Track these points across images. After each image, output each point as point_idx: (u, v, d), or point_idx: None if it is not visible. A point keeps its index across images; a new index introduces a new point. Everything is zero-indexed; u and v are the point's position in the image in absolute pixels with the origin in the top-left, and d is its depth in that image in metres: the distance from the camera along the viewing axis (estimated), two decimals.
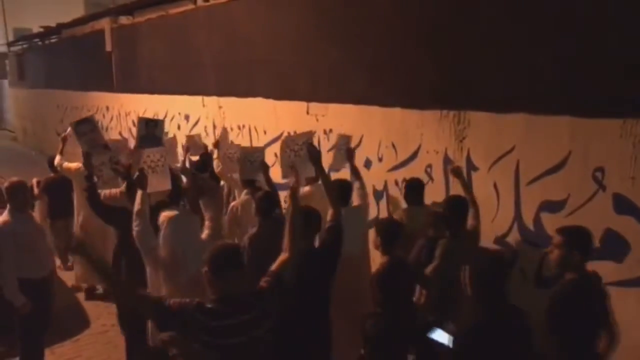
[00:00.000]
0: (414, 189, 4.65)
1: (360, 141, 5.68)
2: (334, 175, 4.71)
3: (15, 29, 30.05)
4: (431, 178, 4.93)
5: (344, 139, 4.94)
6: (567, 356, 3.09)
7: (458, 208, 4.08)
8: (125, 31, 11.18)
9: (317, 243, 3.78)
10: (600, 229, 3.61)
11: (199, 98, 8.51)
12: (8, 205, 4.46)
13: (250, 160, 5.01)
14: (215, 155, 6.37)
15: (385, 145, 5.38)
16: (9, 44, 22.65)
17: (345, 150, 4.85)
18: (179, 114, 9.16)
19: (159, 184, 4.27)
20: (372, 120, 5.48)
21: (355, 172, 4.80)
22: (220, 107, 8.04)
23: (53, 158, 6.75)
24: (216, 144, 6.58)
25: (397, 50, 5.16)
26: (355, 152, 5.60)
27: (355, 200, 4.69)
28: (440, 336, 2.89)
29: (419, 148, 5.02)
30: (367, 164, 5.61)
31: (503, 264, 2.93)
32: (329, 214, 3.69)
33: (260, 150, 5.28)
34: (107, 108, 12.11)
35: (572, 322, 3.03)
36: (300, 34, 6.39)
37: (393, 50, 5.20)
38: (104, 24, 11.90)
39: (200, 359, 2.51)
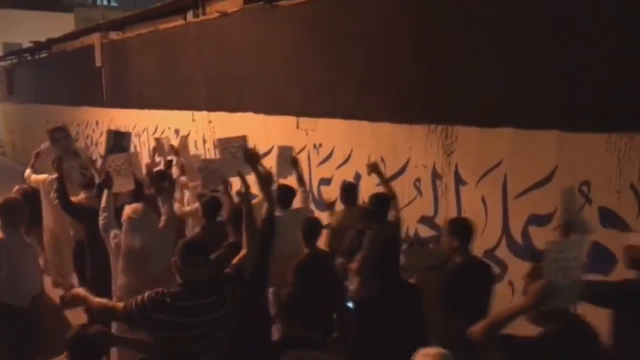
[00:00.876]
0: (348, 190, 5.12)
1: (349, 155, 5.70)
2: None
3: (4, 43, 30.01)
4: (420, 192, 4.96)
5: (287, 150, 5.34)
6: (455, 326, 3.24)
7: (381, 203, 4.55)
8: (115, 46, 11.19)
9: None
10: (587, 242, 3.63)
11: (189, 113, 8.52)
12: (0, 222, 4.24)
13: (232, 153, 4.70)
14: (175, 162, 6.49)
15: (374, 159, 5.40)
16: None
17: (290, 159, 5.26)
18: (169, 128, 9.15)
19: (123, 185, 4.87)
20: (362, 135, 5.51)
21: (299, 179, 5.21)
22: (210, 122, 8.04)
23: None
24: (177, 152, 6.77)
25: (386, 66, 5.21)
26: (345, 166, 5.65)
27: (298, 203, 5.09)
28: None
29: (407, 162, 5.05)
30: (357, 177, 5.62)
31: (394, 246, 3.49)
32: (263, 208, 4.03)
33: (242, 139, 4.77)
34: (97, 123, 12.08)
35: (459, 297, 3.32)
36: (290, 50, 6.43)
37: (382, 65, 5.25)
38: (94, 39, 11.91)
39: (168, 344, 2.84)
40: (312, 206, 6.24)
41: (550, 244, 2.81)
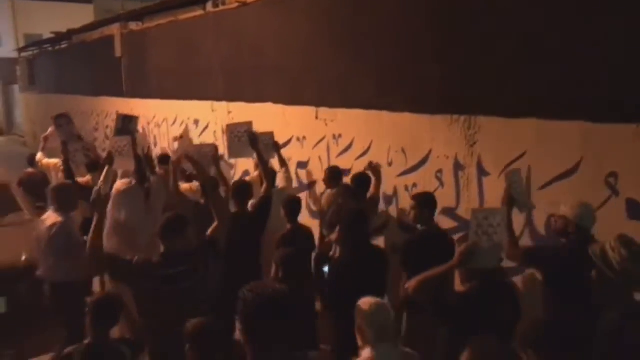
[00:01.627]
0: (333, 174, 5.58)
1: (369, 146, 5.67)
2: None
3: (26, 34, 30.35)
4: (441, 183, 4.91)
5: (268, 135, 5.79)
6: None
7: (361, 182, 5.21)
8: (134, 37, 11.24)
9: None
10: (613, 235, 3.57)
11: (208, 103, 8.54)
12: (55, 206, 4.60)
13: (238, 137, 5.23)
14: (176, 147, 7.03)
15: (394, 150, 5.37)
16: (20, 50, 22.83)
17: (272, 144, 5.78)
18: (189, 119, 9.19)
19: (124, 164, 5.41)
20: (382, 126, 5.48)
21: (281, 161, 5.95)
22: (229, 113, 8.05)
23: (33, 156, 7.99)
24: (179, 138, 7.29)
25: (407, 55, 5.15)
26: (364, 157, 5.62)
27: (281, 184, 5.98)
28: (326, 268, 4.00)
29: (429, 153, 5.00)
30: None
31: (362, 217, 3.87)
32: (262, 188, 4.87)
33: (248, 124, 5.35)
34: (117, 113, 12.17)
35: (421, 261, 3.43)
36: (310, 40, 6.40)
37: (403, 54, 5.20)
38: (114, 29, 11.98)
39: (150, 303, 3.27)
40: None
41: (477, 211, 3.23)
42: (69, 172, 5.78)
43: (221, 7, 8.32)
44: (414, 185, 5.19)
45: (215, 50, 8.30)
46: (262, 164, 4.99)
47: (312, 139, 6.46)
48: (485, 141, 4.50)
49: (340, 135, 6.07)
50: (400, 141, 5.29)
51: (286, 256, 3.63)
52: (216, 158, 5.39)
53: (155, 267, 3.25)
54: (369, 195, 5.20)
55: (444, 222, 4.93)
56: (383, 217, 5.40)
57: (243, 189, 4.96)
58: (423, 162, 5.08)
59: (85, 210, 5.57)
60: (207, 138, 8.57)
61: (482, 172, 4.55)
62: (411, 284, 2.98)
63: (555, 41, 3.97)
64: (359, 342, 2.77)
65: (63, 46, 17.25)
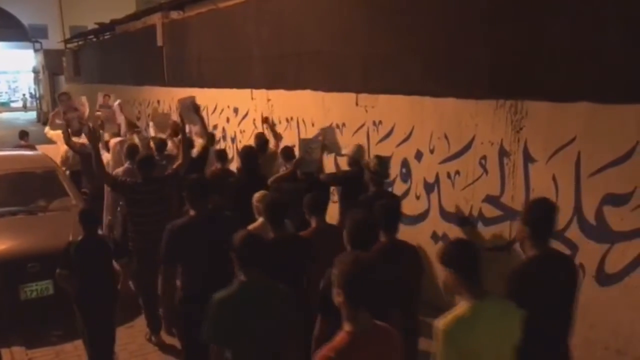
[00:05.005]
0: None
1: (411, 132, 5.57)
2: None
3: (71, 26, 31.18)
4: (485, 170, 4.79)
5: (187, 101, 6.41)
6: None
7: (260, 141, 6.66)
8: (176, 26, 11.36)
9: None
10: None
11: (247, 91, 8.56)
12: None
13: (308, 151, 5.63)
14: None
15: (437, 136, 5.26)
16: (66, 41, 23.43)
17: (192, 107, 6.39)
18: (228, 107, 9.25)
19: (111, 128, 8.28)
20: (424, 111, 5.37)
21: (203, 125, 6.68)
22: (268, 100, 8.05)
23: (23, 131, 10.38)
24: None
25: (450, 38, 5.03)
26: (406, 144, 5.54)
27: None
28: None
29: (473, 139, 4.88)
30: (418, 155, 5.50)
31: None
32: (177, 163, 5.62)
33: (319, 143, 5.77)
34: (159, 102, 12.35)
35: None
36: (350, 24, 6.32)
37: (446, 37, 5.07)
38: (156, 19, 12.12)
39: (134, 206, 5.12)
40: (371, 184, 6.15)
41: (303, 141, 5.87)
42: (68, 136, 7.34)
43: None
44: (457, 172, 5.08)
45: (255, 37, 8.30)
46: (182, 132, 5.89)
47: (352, 125, 6.40)
48: (532, 126, 4.35)
49: (380, 122, 5.98)
50: (443, 127, 5.18)
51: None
52: (196, 106, 6.49)
53: (138, 185, 5.13)
54: (268, 152, 6.57)
55: (488, 211, 4.81)
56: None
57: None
58: (466, 148, 4.96)
59: (75, 164, 8.26)
60: (247, 126, 8.61)
61: (528, 158, 4.41)
62: None
63: (606, 19, 3.79)
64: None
65: (106, 37, 17.60)
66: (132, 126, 8.49)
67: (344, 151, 5.90)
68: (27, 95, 37.10)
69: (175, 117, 7.92)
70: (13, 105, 38.32)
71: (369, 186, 4.92)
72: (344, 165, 5.98)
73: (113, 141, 7.83)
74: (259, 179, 5.36)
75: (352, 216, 3.25)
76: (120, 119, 8.45)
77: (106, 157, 7.44)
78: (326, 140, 5.81)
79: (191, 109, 6.38)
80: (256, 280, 2.86)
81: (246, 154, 5.69)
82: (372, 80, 6.03)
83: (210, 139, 6.98)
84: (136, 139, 7.70)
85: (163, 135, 7.74)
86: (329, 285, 2.47)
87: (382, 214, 3.48)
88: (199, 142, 6.78)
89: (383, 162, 4.95)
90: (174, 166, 5.48)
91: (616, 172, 3.80)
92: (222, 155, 6.59)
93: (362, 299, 2.27)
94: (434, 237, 5.40)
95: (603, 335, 3.95)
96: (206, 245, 3.63)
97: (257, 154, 5.84)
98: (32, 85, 34.79)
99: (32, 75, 33.62)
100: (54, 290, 5.36)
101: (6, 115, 33.99)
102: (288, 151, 6.00)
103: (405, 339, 2.54)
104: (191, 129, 6.76)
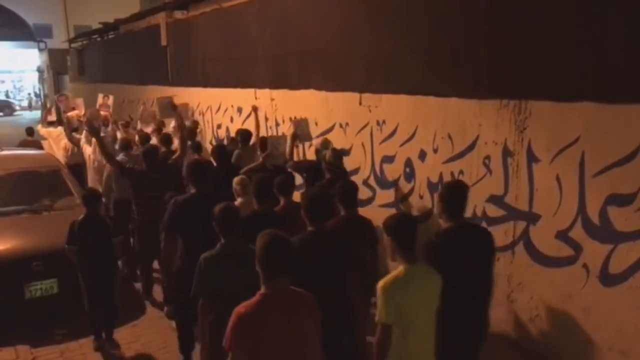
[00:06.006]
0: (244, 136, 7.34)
1: (414, 132, 5.57)
2: None
3: (75, 26, 31.27)
4: (489, 170, 4.78)
5: (165, 100, 7.50)
6: None
7: (244, 136, 7.30)
8: (180, 25, 11.38)
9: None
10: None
11: (251, 91, 8.57)
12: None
13: (275, 147, 6.24)
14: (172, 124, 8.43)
15: (441, 136, 5.25)
16: (70, 41, 23.48)
17: (170, 105, 7.28)
18: (232, 106, 9.25)
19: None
20: (428, 111, 5.36)
21: (181, 122, 7.02)
22: (272, 100, 8.06)
23: (30, 128, 11.38)
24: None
25: (454, 38, 5.02)
26: (409, 143, 5.54)
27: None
28: None
29: (476, 139, 4.87)
30: (422, 155, 5.50)
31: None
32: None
33: (284, 139, 6.47)
34: (144, 102, 12.41)
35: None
36: (354, 24, 6.31)
37: (449, 37, 5.06)
38: (160, 18, 12.14)
39: (140, 188, 5.92)
40: (375, 184, 6.17)
41: (270, 138, 6.53)
42: (69, 131, 8.81)
43: None
44: (461, 172, 5.07)
45: (259, 37, 8.30)
46: (181, 130, 6.74)
47: (356, 125, 6.40)
48: (536, 126, 4.34)
49: (384, 122, 5.98)
50: (447, 127, 5.17)
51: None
52: (174, 105, 7.34)
53: (144, 172, 5.93)
54: (250, 145, 7.19)
55: (492, 211, 4.81)
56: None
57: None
58: (470, 148, 4.95)
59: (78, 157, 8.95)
60: (250, 125, 8.60)
61: (532, 158, 4.40)
62: None
63: (610, 17, 3.78)
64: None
65: (111, 36, 17.63)
66: (115, 122, 9.37)
67: (313, 142, 6.80)
68: (32, 95, 37.26)
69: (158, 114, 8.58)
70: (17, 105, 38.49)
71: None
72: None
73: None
74: (232, 170, 5.95)
75: (308, 193, 3.76)
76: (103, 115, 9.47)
77: (87, 150, 8.42)
78: (298, 131, 6.50)
79: (169, 107, 7.25)
80: (233, 242, 3.55)
81: (219, 148, 6.58)
82: (376, 80, 6.03)
83: (191, 132, 7.98)
84: (120, 134, 8.69)
85: (148, 130, 8.70)
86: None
87: (341, 192, 4.22)
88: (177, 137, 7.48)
89: (337, 155, 5.75)
90: (174, 157, 6.33)
91: (620, 172, 3.79)
92: (197, 146, 7.67)
93: (274, 269, 2.62)
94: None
95: (607, 336, 3.94)
96: (202, 219, 4.00)
97: (225, 149, 6.72)
98: (37, 85, 34.94)
99: (36, 74, 33.75)
100: (58, 289, 5.39)
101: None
102: (263, 142, 6.56)
103: (363, 299, 3.17)
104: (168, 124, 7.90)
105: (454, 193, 3.53)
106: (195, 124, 9.17)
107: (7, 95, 39.64)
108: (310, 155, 7.00)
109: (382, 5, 5.90)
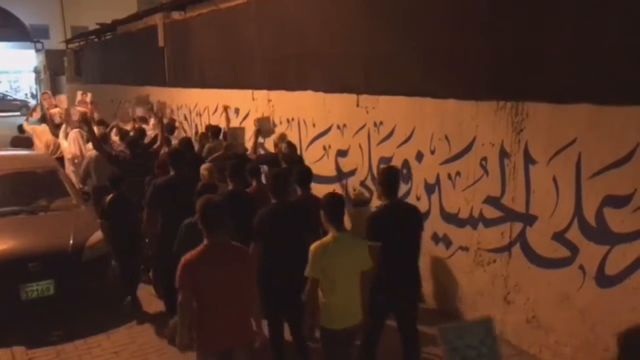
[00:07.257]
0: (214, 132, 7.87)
1: (411, 134, 5.57)
2: None
3: (72, 26, 31.21)
4: (486, 171, 4.79)
5: (143, 97, 9.12)
6: None
7: (214, 131, 7.83)
8: (177, 26, 11.37)
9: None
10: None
11: (249, 92, 8.57)
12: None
13: (235, 137, 7.00)
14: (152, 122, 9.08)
15: (438, 137, 5.26)
16: (67, 42, 23.44)
17: (146, 101, 9.09)
18: (229, 107, 9.23)
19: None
20: (425, 112, 5.37)
21: (156, 117, 8.29)
22: (269, 101, 8.06)
23: (21, 125, 11.72)
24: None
25: (451, 39, 5.03)
26: (406, 145, 5.55)
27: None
28: None
29: (473, 140, 4.88)
30: (419, 157, 5.50)
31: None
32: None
33: (242, 130, 7.32)
34: (120, 102, 12.43)
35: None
36: (351, 26, 6.32)
37: (447, 39, 5.08)
38: (157, 19, 12.14)
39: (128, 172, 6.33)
40: (372, 185, 6.16)
41: (230, 129, 7.38)
42: (52, 127, 9.68)
43: None
44: (457, 173, 5.08)
45: (256, 38, 8.31)
46: (160, 122, 7.84)
47: (353, 126, 6.40)
48: (533, 128, 4.35)
49: (381, 123, 5.99)
50: (444, 128, 5.18)
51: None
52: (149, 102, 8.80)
53: (129, 158, 6.74)
54: (219, 138, 7.68)
55: (488, 212, 4.81)
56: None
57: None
58: (467, 149, 4.96)
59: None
60: (248, 126, 8.60)
61: (529, 159, 4.41)
62: None
63: (607, 20, 3.79)
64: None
65: (108, 37, 17.61)
66: (87, 121, 9.43)
67: (272, 137, 7.41)
68: (29, 95, 37.15)
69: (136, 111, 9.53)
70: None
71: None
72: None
73: (73, 132, 9.24)
74: (200, 159, 6.43)
75: (272, 173, 4.66)
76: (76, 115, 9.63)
77: (64, 144, 9.20)
78: (260, 127, 7.20)
79: (144, 101, 8.49)
80: None
81: (184, 144, 6.96)
82: (373, 82, 6.03)
83: (169, 126, 8.62)
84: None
85: (127, 127, 9.37)
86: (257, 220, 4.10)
87: (297, 176, 4.85)
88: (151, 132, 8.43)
89: (291, 147, 6.62)
90: (154, 147, 7.27)
91: (617, 173, 3.80)
92: (169, 139, 8.15)
93: (211, 225, 3.24)
94: (435, 238, 5.40)
95: (603, 337, 3.95)
96: (177, 197, 4.86)
97: (191, 143, 7.38)
98: (34, 85, 34.85)
99: (33, 75, 33.67)
100: (54, 290, 5.36)
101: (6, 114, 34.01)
102: (225, 135, 7.42)
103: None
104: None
105: (388, 177, 4.17)
106: (173, 120, 9.75)
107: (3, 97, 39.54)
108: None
109: (379, 7, 5.91)
